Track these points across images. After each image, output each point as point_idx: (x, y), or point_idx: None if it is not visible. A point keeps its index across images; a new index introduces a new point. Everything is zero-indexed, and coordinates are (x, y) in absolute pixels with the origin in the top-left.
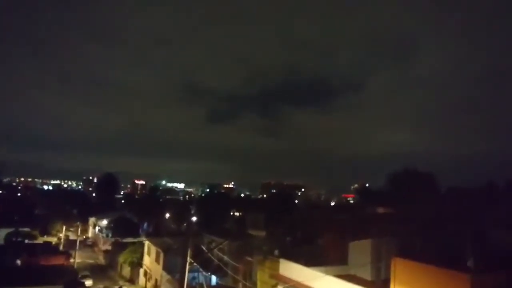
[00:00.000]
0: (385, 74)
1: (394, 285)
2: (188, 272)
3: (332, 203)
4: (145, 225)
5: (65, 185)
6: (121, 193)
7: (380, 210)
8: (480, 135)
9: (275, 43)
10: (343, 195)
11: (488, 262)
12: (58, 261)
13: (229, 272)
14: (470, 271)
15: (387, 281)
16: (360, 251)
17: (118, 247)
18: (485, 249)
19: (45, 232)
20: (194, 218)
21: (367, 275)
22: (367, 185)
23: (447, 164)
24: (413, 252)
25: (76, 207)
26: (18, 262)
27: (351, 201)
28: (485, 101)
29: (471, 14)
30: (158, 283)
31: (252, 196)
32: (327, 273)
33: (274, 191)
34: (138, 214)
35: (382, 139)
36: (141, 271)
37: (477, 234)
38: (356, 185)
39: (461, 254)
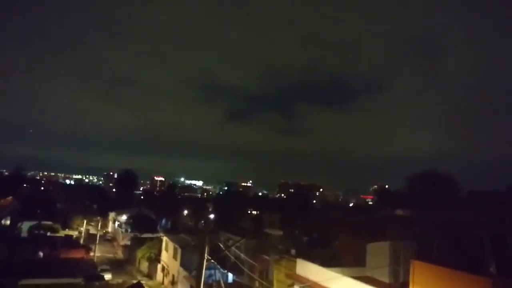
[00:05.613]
0: (409, 75)
1: None
2: (205, 269)
3: (351, 204)
4: (163, 221)
5: (87, 180)
6: (140, 189)
7: (399, 212)
8: (504, 140)
9: (295, 42)
10: (361, 196)
11: (509, 267)
12: (79, 254)
13: (246, 270)
14: (492, 276)
15: (405, 284)
16: (378, 253)
17: (137, 242)
18: (506, 254)
19: (66, 225)
20: (211, 216)
21: (385, 277)
22: (386, 186)
23: (469, 167)
24: (432, 255)
25: (96, 202)
26: (40, 254)
27: (370, 202)
28: (511, 105)
29: (504, 16)
30: (175, 279)
31: (269, 196)
32: (343, 274)
33: (292, 191)
34: (157, 210)
35: (404, 141)
36: (159, 266)
37: (498, 239)
38: (375, 186)
39: (480, 258)
